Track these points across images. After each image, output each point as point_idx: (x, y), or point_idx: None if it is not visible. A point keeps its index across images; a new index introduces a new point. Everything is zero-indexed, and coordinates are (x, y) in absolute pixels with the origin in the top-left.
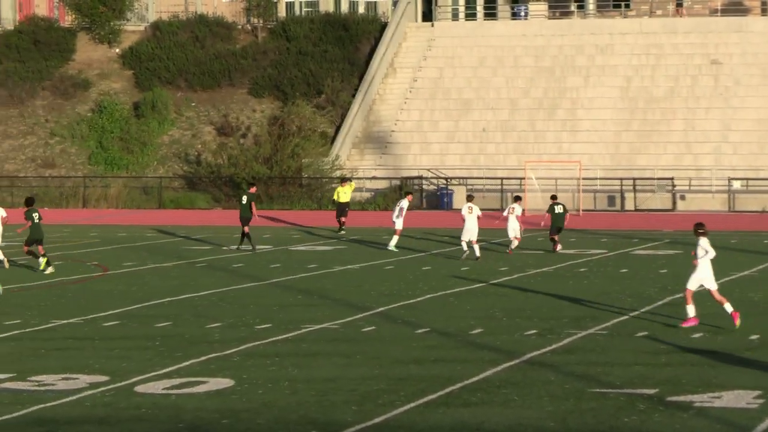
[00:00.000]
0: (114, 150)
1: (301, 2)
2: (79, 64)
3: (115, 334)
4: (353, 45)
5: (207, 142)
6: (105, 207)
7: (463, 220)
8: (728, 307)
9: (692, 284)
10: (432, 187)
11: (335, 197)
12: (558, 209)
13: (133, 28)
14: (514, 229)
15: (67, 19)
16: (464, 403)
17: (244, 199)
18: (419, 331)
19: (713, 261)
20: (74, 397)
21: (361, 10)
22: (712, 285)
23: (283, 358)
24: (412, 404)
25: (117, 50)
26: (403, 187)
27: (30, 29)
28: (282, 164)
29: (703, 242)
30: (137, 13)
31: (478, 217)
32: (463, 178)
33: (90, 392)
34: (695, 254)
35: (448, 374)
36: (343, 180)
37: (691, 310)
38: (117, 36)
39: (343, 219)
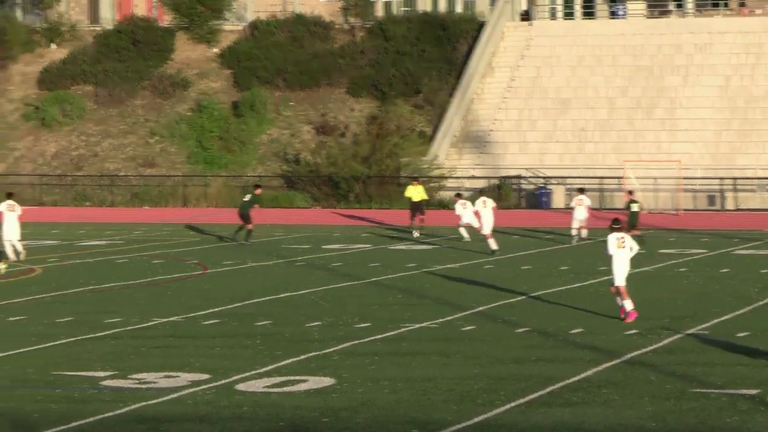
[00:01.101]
0: (213, 149)
1: (398, 2)
2: (178, 64)
3: (216, 333)
4: (451, 44)
5: (306, 141)
6: (204, 206)
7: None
8: (628, 305)
9: (620, 280)
10: (530, 186)
11: (407, 194)
12: (634, 207)
13: (231, 28)
14: (578, 220)
15: (166, 19)
16: (564, 403)
17: (248, 197)
18: (519, 330)
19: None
20: (175, 395)
21: (459, 9)
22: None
23: (383, 357)
24: (512, 404)
25: (216, 50)
26: (501, 186)
27: (129, 29)
28: (380, 163)
29: (610, 238)
30: (236, 13)
31: (493, 209)
32: (561, 177)
33: (191, 390)
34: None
35: (548, 374)
36: (414, 179)
37: (628, 304)
38: (216, 36)
39: (421, 217)
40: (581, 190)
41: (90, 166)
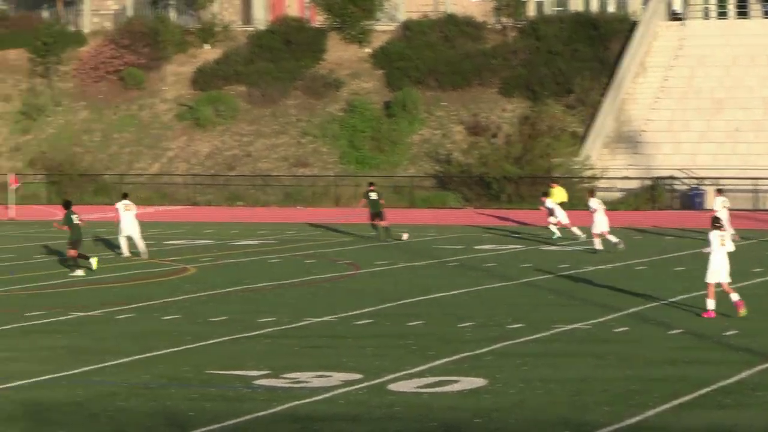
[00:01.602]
0: (365, 149)
1: (550, 1)
2: (330, 64)
3: (368, 333)
4: (603, 44)
5: (457, 141)
6: (356, 206)
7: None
8: (734, 296)
9: (710, 278)
10: (683, 187)
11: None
12: None
13: (383, 28)
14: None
15: (318, 19)
16: (718, 405)
17: (374, 195)
18: (672, 332)
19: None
20: (328, 395)
21: (612, 8)
22: (725, 278)
23: (535, 358)
24: (665, 406)
25: (368, 50)
26: (654, 187)
27: (282, 29)
28: (532, 164)
29: (713, 236)
30: (387, 13)
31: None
32: (714, 178)
33: (343, 390)
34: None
35: (701, 376)
36: (552, 182)
37: (710, 303)
38: (367, 36)
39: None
40: (720, 191)
41: (243, 166)
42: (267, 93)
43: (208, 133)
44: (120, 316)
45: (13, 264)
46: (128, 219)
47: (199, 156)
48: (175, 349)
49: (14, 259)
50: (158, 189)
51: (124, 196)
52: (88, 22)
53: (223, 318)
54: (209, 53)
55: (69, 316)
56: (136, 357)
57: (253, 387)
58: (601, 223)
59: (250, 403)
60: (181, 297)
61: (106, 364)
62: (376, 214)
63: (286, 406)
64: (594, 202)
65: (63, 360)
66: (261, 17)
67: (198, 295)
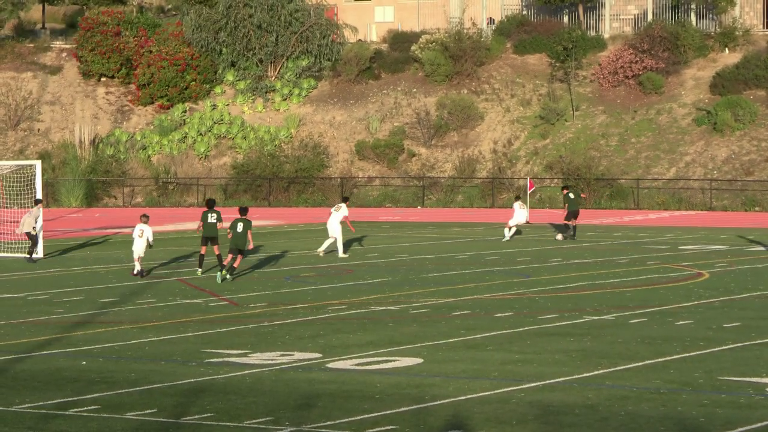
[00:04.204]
0: None
1: None
2: None
3: None
4: None
5: None
6: None
7: None
8: None
9: None
10: None
11: None
12: None
13: None
14: None
15: None
16: None
17: (574, 195)
18: None
19: None
20: None
21: None
22: None
23: None
24: None
25: None
26: None
27: None
28: None
29: None
30: None
31: None
32: None
33: None
34: None
35: None
36: None
37: None
38: None
39: None
40: None
41: (761, 171)
42: None
43: (726, 137)
44: (633, 321)
45: (528, 267)
46: (332, 221)
47: (716, 161)
48: (687, 354)
49: (529, 262)
50: (674, 194)
51: (345, 200)
52: (608, 27)
53: (737, 324)
54: (729, 57)
55: (582, 320)
56: (648, 362)
57: (765, 394)
58: None
59: (763, 410)
60: (695, 302)
61: (618, 368)
62: (574, 212)
63: None
64: None
65: (575, 363)
66: None
67: (712, 300)
